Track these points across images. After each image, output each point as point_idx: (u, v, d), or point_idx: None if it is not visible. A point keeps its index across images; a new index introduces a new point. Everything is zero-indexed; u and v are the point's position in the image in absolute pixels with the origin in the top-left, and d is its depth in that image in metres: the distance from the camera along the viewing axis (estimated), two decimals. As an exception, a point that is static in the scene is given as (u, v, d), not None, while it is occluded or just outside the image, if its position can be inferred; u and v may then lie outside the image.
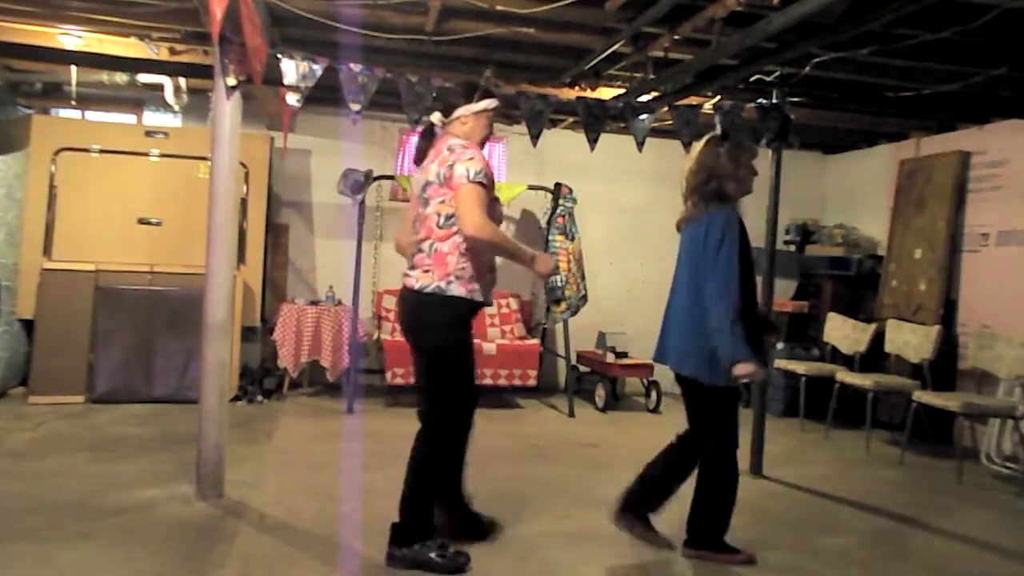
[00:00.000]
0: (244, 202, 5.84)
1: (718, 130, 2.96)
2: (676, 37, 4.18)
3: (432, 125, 3.10)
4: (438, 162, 2.91)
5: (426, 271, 2.91)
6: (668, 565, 3.12)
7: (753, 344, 2.95)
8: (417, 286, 2.90)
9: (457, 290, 2.88)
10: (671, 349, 3.16)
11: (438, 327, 2.91)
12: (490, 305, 3.14)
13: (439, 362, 2.96)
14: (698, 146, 3.21)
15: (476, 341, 5.94)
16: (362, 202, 5.81)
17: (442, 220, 2.89)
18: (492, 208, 2.94)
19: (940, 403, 4.77)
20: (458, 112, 3.02)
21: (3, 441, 4.34)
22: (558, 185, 6.31)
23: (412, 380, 5.79)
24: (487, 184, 2.86)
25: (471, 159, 2.86)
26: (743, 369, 2.90)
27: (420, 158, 3.07)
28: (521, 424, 5.67)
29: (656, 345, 3.27)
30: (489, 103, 3.04)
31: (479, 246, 2.87)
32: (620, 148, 5.75)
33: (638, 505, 3.18)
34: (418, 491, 2.93)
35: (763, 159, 4.66)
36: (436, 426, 2.96)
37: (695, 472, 3.15)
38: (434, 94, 3.97)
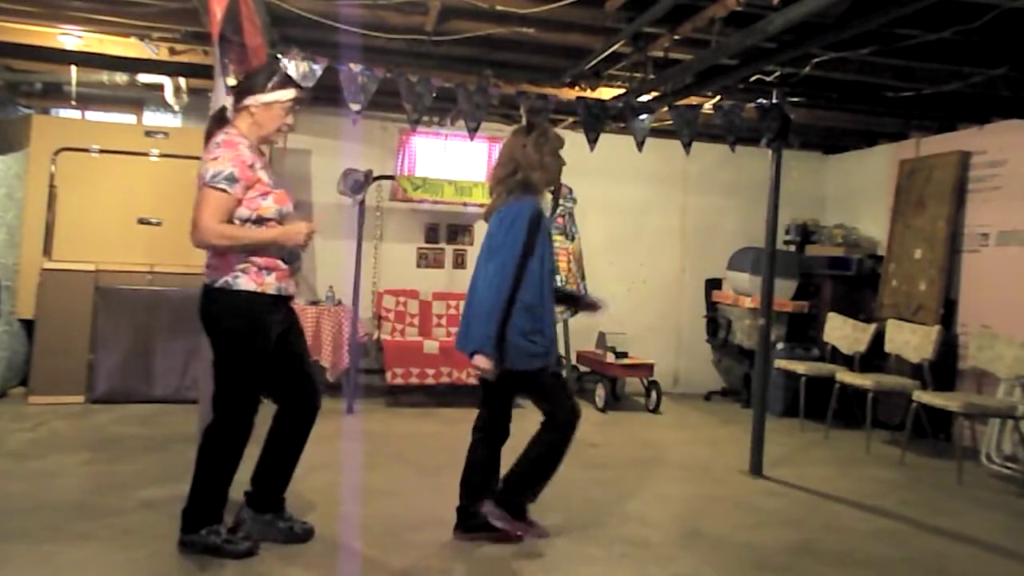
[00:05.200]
0: (244, 202, 5.84)
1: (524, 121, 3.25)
2: (676, 37, 4.18)
3: (224, 110, 2.81)
4: (204, 156, 2.69)
5: (213, 268, 2.75)
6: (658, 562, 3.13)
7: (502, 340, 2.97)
8: (207, 281, 2.76)
9: (246, 284, 2.72)
10: (472, 338, 3.08)
11: (223, 320, 2.74)
12: (291, 296, 2.92)
13: (223, 357, 2.78)
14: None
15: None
16: (362, 202, 5.81)
17: None
18: (252, 201, 2.71)
19: (940, 403, 4.77)
20: (247, 100, 2.75)
21: (3, 441, 4.33)
22: (558, 185, 6.30)
23: (412, 380, 5.90)
24: (229, 191, 2.63)
25: (215, 159, 2.63)
26: (480, 362, 2.96)
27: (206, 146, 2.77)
28: (521, 424, 5.66)
29: (458, 334, 3.21)
30: (283, 94, 2.77)
31: (216, 250, 2.70)
32: (620, 148, 5.75)
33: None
34: (202, 477, 2.87)
35: (763, 159, 4.71)
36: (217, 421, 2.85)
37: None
38: (434, 94, 3.98)
